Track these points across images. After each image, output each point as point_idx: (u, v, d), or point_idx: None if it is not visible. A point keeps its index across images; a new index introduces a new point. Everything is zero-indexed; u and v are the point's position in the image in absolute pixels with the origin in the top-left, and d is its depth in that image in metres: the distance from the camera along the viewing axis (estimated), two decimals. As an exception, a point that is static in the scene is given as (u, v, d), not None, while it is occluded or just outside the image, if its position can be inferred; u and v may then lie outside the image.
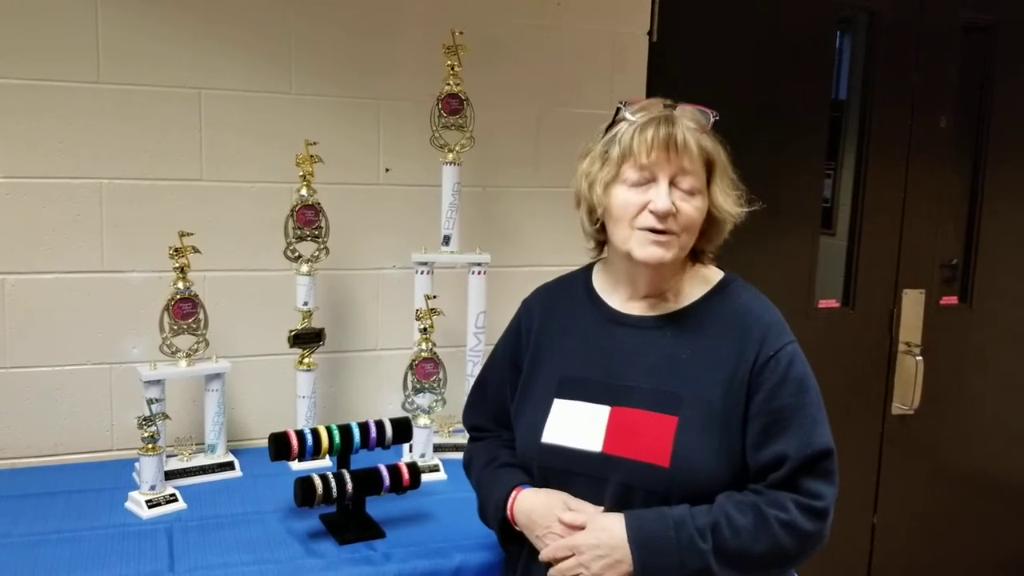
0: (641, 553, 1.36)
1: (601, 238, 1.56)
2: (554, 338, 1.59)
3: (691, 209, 1.43)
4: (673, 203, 1.41)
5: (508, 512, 1.52)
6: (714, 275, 1.57)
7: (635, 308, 1.54)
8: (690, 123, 1.44)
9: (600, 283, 1.61)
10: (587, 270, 1.66)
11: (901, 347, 3.20)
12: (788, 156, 2.99)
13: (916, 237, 3.18)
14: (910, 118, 3.11)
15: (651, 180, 1.42)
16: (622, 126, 1.46)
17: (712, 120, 1.48)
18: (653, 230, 1.42)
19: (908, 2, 3.05)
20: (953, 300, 3.28)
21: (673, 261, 1.46)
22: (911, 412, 3.20)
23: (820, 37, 3.01)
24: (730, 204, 1.49)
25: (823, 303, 3.14)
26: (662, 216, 1.40)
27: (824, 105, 3.06)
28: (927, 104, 3.12)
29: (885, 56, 3.07)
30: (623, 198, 1.44)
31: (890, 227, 3.15)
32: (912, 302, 3.19)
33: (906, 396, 3.20)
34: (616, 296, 1.57)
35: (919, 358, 3.16)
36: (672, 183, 1.42)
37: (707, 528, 1.36)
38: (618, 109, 1.49)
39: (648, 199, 1.42)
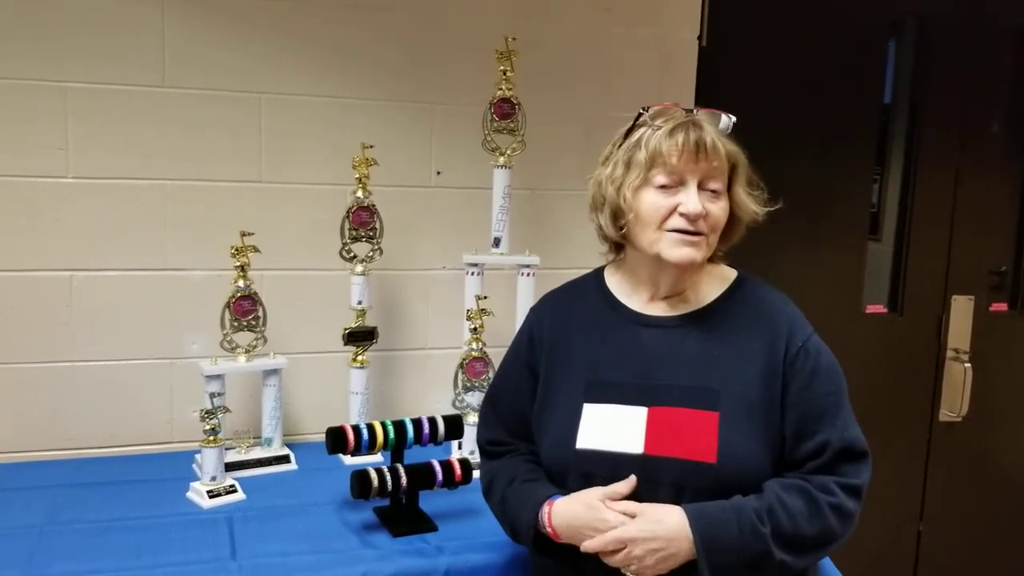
0: (705, 542, 1.36)
1: (622, 241, 1.59)
2: (572, 343, 1.59)
3: (718, 210, 1.48)
4: (702, 205, 1.45)
5: (548, 528, 1.48)
6: (728, 273, 1.61)
7: (657, 309, 1.57)
8: (717, 126, 1.49)
9: (616, 286, 1.62)
10: (597, 275, 1.68)
11: (949, 354, 3.18)
12: (837, 161, 3.00)
13: (965, 243, 3.16)
14: (960, 124, 3.09)
15: (679, 183, 1.46)
16: (645, 131, 1.49)
17: (731, 123, 1.51)
18: (684, 231, 1.45)
19: (960, 6, 3.03)
20: (1003, 307, 3.25)
21: (703, 261, 1.50)
22: (959, 420, 3.18)
23: (870, 42, 3.01)
24: (751, 204, 1.53)
25: (870, 308, 3.13)
26: (693, 219, 1.44)
27: (874, 110, 3.06)
28: (978, 109, 3.10)
29: (935, 61, 3.05)
30: (652, 201, 1.47)
31: (939, 233, 3.14)
32: (961, 308, 3.17)
33: (954, 403, 3.17)
34: (636, 298, 1.59)
35: (968, 365, 3.14)
36: (699, 185, 1.46)
37: (763, 512, 1.38)
38: (639, 114, 1.52)
39: (677, 202, 1.45)
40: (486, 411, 1.74)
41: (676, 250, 1.46)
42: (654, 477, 1.44)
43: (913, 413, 3.19)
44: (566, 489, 1.51)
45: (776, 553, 1.38)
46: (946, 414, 3.20)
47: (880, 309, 3.16)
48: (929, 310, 3.17)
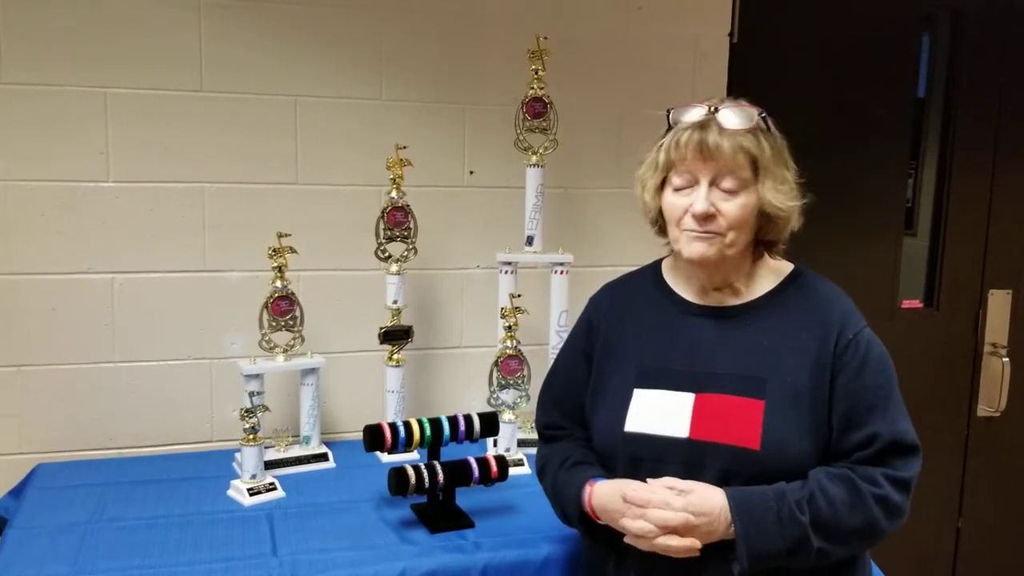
0: (744, 524, 1.39)
1: (665, 237, 1.62)
2: (627, 331, 1.63)
3: (733, 208, 1.47)
4: (714, 204, 1.46)
5: (588, 509, 1.54)
6: (784, 267, 1.62)
7: (710, 299, 1.59)
8: (729, 125, 1.47)
9: (671, 277, 1.65)
10: (655, 267, 1.70)
11: (987, 348, 3.15)
12: (871, 156, 2.98)
13: (1003, 237, 3.13)
14: (997, 117, 3.06)
15: (694, 183, 1.48)
16: (670, 132, 1.52)
17: (757, 117, 1.49)
18: (695, 230, 1.48)
19: (995, -1, 3.01)
20: (1041, 301, 3.22)
21: (719, 257, 1.50)
22: (997, 415, 3.15)
23: (903, 36, 2.99)
24: (780, 199, 1.49)
25: (906, 303, 3.11)
26: (700, 218, 1.46)
27: (908, 105, 3.04)
28: (1013, 102, 3.07)
29: (970, 54, 3.03)
30: (670, 202, 1.51)
31: (976, 227, 3.11)
32: (998, 302, 3.14)
33: (992, 398, 3.15)
34: (689, 289, 1.61)
35: (1006, 360, 3.11)
36: (713, 184, 1.47)
37: (804, 500, 1.40)
38: (668, 115, 1.54)
39: (690, 202, 1.48)
40: (543, 396, 1.78)
41: (689, 246, 1.49)
42: (698, 461, 1.47)
43: (951, 409, 3.17)
44: (615, 473, 1.55)
45: (814, 541, 1.39)
46: (984, 409, 3.17)
47: (916, 304, 3.13)
48: (966, 304, 3.14)
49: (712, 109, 1.49)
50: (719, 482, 1.45)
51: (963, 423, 3.19)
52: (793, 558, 1.40)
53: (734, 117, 1.48)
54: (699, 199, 1.46)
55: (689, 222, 1.48)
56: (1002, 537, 3.27)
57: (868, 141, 2.98)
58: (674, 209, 1.50)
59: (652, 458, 1.50)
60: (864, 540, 1.46)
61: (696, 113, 1.49)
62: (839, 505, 1.41)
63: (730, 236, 1.48)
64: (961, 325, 3.15)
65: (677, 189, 1.49)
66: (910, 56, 3.02)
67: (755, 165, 1.49)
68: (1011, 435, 3.21)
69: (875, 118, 2.98)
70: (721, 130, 1.46)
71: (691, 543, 1.41)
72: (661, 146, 1.52)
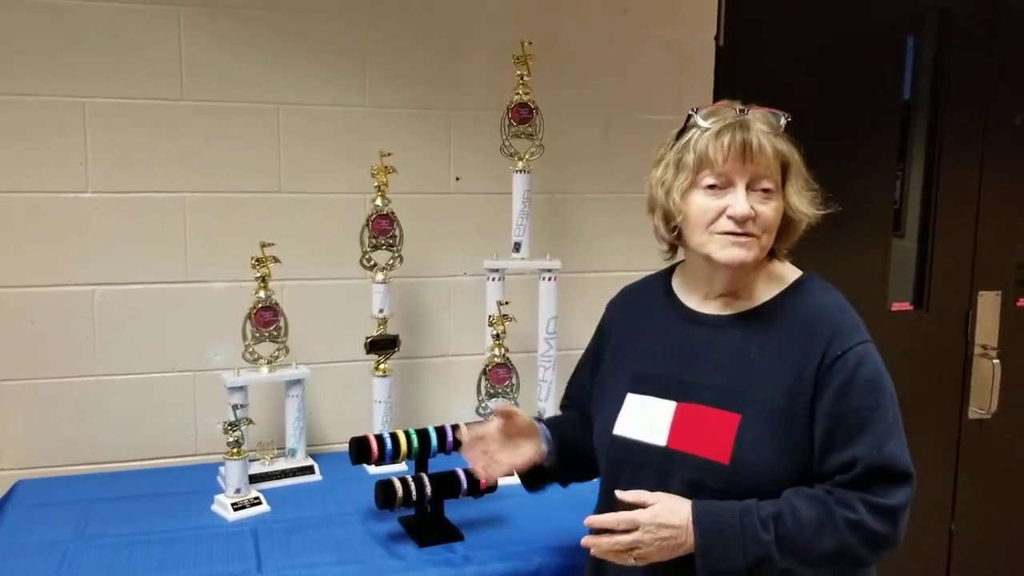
0: (704, 538, 1.38)
1: (676, 243, 1.58)
2: (632, 335, 1.64)
3: (769, 211, 1.45)
4: (751, 206, 1.42)
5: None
6: (790, 274, 1.57)
7: (710, 307, 1.56)
8: (763, 126, 1.45)
9: (678, 284, 1.63)
10: (668, 272, 1.68)
11: (977, 350, 3.14)
12: (858, 159, 2.97)
13: (991, 238, 3.12)
14: (984, 117, 3.06)
15: (728, 185, 1.44)
16: (694, 132, 1.47)
17: (784, 122, 1.49)
18: (733, 233, 1.43)
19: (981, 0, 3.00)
20: (1031, 302, 3.21)
21: (754, 262, 1.47)
22: (988, 416, 3.14)
23: (890, 38, 2.98)
24: (805, 204, 1.49)
25: (896, 306, 3.10)
26: (741, 221, 1.42)
27: (895, 107, 3.03)
28: (1002, 103, 3.07)
29: (957, 55, 3.02)
30: (700, 204, 1.45)
31: (964, 228, 3.10)
32: (988, 304, 3.14)
33: (983, 400, 3.14)
34: (692, 296, 1.59)
35: (996, 361, 3.10)
36: (748, 186, 1.43)
37: (770, 519, 1.37)
38: (689, 116, 1.50)
39: (725, 204, 1.43)
40: (573, 373, 1.88)
41: (725, 251, 1.44)
42: (671, 471, 1.46)
43: (942, 411, 3.16)
44: (602, 472, 1.59)
45: (779, 561, 1.36)
46: (975, 411, 3.16)
47: (906, 306, 3.12)
48: (955, 306, 3.14)
49: (742, 110, 1.46)
50: (687, 493, 1.43)
51: (954, 425, 3.17)
52: (756, 575, 1.37)
53: (770, 117, 1.47)
54: (739, 200, 1.42)
55: (725, 224, 1.43)
56: (995, 538, 3.26)
57: (855, 143, 2.96)
58: (705, 211, 1.44)
59: (633, 463, 1.51)
60: (839, 565, 1.41)
61: (732, 112, 1.46)
62: (808, 527, 1.36)
63: (764, 240, 1.46)
64: (951, 327, 3.14)
65: (709, 190, 1.44)
66: (896, 57, 3.02)
67: (785, 169, 1.47)
68: (1002, 437, 3.20)
69: (862, 120, 2.97)
70: (762, 131, 1.44)
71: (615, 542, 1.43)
72: (688, 144, 1.46)
